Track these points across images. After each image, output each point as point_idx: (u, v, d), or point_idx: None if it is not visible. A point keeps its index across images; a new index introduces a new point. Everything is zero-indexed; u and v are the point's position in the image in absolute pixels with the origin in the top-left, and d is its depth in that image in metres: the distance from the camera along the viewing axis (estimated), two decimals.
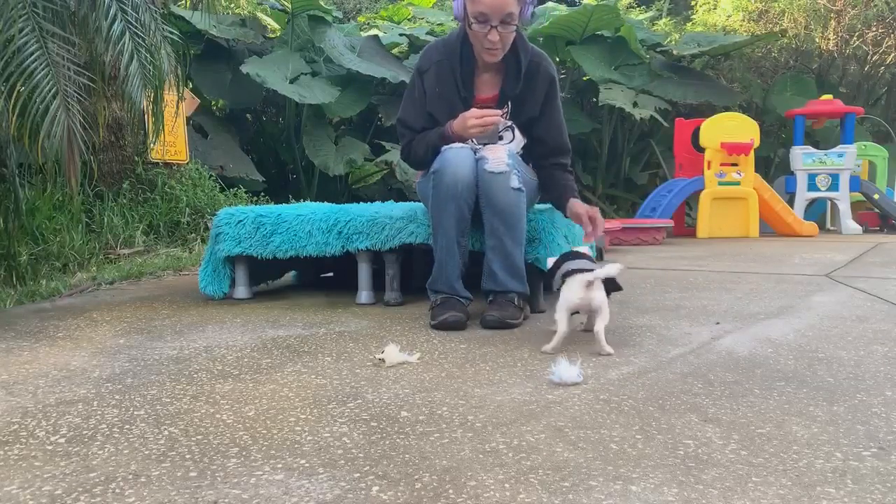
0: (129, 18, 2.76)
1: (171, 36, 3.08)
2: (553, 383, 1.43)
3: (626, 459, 1.04)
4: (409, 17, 9.08)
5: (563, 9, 8.06)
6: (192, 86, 6.21)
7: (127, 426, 1.22)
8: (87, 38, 2.75)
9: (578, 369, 1.45)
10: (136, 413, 1.29)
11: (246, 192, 5.36)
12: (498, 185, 2.04)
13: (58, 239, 3.46)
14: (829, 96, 7.00)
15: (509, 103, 2.24)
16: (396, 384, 1.45)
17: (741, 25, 8.93)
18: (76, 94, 2.53)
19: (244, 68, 6.05)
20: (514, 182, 2.05)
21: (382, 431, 1.17)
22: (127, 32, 2.73)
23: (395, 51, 7.90)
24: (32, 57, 2.41)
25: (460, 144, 2.12)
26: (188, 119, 5.34)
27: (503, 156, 2.07)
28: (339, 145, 6.84)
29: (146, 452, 1.09)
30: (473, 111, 2.13)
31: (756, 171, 6.25)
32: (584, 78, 7.91)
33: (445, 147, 2.12)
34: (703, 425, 1.18)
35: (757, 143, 6.11)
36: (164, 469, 1.03)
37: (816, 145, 7.25)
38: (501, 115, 2.21)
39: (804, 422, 1.20)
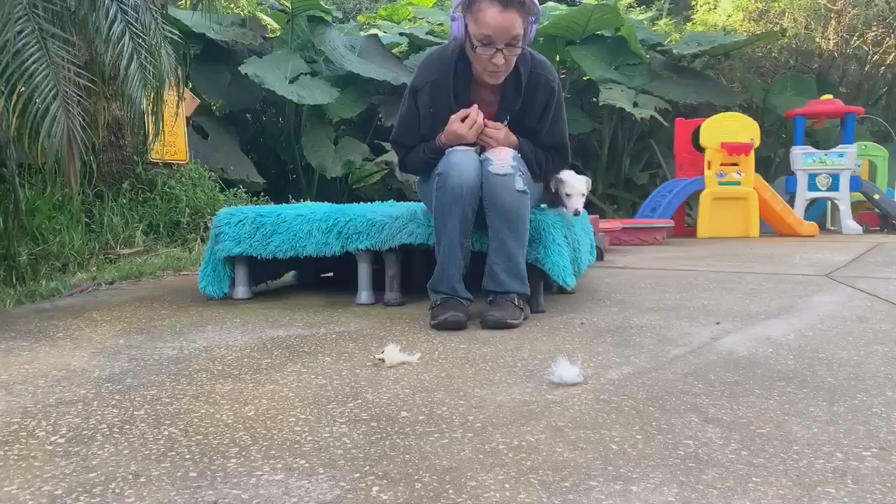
0: (129, 19, 2.76)
1: (171, 36, 3.08)
2: (553, 383, 1.43)
3: (626, 459, 1.04)
4: (410, 17, 9.08)
5: (563, 8, 8.06)
6: (190, 86, 6.21)
7: (127, 426, 1.22)
8: (87, 39, 2.76)
9: (578, 369, 1.45)
10: (135, 413, 1.29)
11: (246, 192, 5.36)
12: (502, 187, 2.03)
13: (58, 239, 3.46)
14: (829, 96, 7.00)
15: (508, 118, 2.20)
16: (396, 384, 1.45)
17: (741, 25, 8.93)
18: (76, 95, 2.54)
19: (243, 69, 6.05)
20: (519, 184, 2.04)
21: (382, 431, 1.17)
22: (127, 33, 2.73)
23: (395, 51, 7.90)
24: (33, 58, 2.41)
25: (464, 147, 2.10)
26: (188, 119, 5.34)
27: (508, 157, 2.07)
28: (338, 146, 6.83)
29: (146, 452, 1.09)
30: (453, 117, 2.11)
31: (756, 171, 6.25)
32: (584, 78, 7.91)
33: (450, 150, 2.10)
34: (704, 425, 1.18)
35: (757, 143, 6.11)
36: (164, 469, 1.03)
37: (816, 145, 7.25)
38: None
39: (804, 422, 1.19)
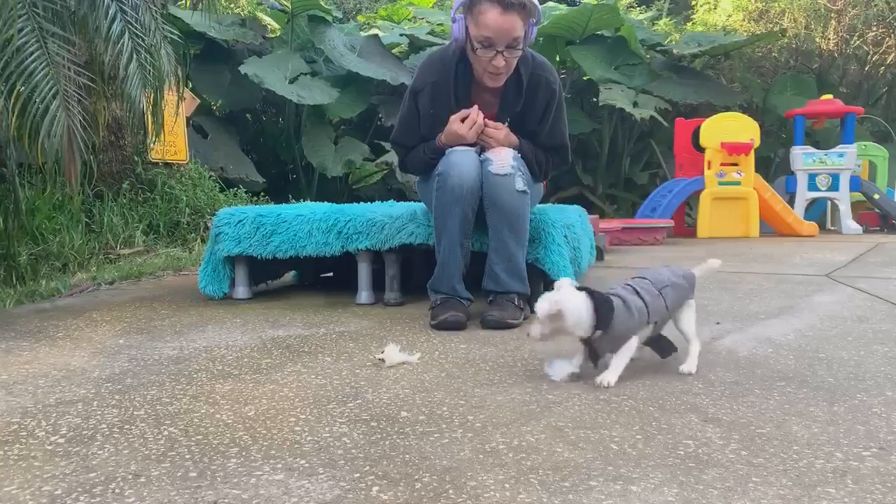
0: (129, 18, 2.76)
1: (171, 35, 3.08)
2: (553, 382, 1.43)
3: (626, 459, 1.04)
4: (410, 17, 9.07)
5: (563, 8, 8.06)
6: (190, 86, 6.21)
7: (127, 426, 1.21)
8: (87, 38, 2.75)
9: (573, 362, 1.46)
10: (135, 413, 1.29)
11: (246, 192, 5.36)
12: (503, 187, 2.03)
13: (58, 239, 3.46)
14: (829, 96, 6.99)
15: (508, 119, 2.19)
16: (396, 384, 1.45)
17: (741, 25, 8.93)
18: (76, 94, 2.54)
19: (243, 69, 6.04)
20: (519, 184, 2.04)
21: (382, 431, 1.17)
22: (127, 32, 2.73)
23: (395, 51, 7.89)
24: (32, 57, 2.41)
25: (464, 147, 2.10)
26: (188, 119, 5.34)
27: (508, 157, 2.06)
28: (339, 146, 6.83)
29: (146, 452, 1.09)
30: (453, 117, 2.11)
31: (756, 171, 6.25)
32: (584, 78, 7.91)
33: (450, 150, 2.10)
34: (704, 425, 1.18)
35: (757, 143, 6.10)
36: (164, 469, 1.03)
37: (816, 145, 7.24)
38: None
39: (804, 422, 1.19)
